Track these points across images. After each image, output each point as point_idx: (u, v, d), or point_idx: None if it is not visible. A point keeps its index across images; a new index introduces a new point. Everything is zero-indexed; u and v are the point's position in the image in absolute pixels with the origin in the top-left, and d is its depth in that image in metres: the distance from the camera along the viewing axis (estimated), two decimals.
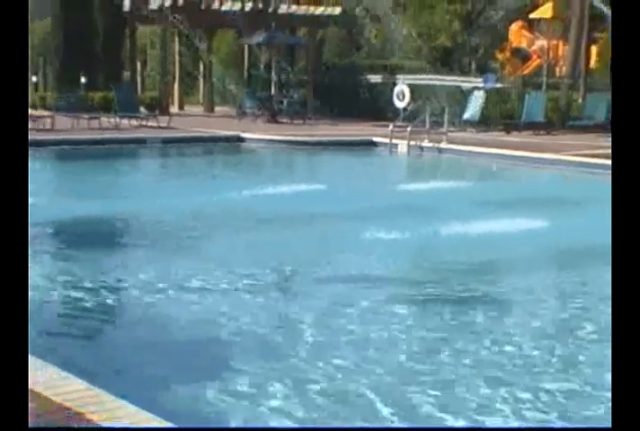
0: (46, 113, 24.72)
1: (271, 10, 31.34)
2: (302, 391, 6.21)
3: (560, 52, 33.48)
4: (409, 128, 22.01)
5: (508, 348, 7.25)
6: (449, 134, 22.47)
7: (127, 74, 31.91)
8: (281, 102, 29.46)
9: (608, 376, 6.58)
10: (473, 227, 12.05)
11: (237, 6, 31.05)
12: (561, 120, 26.07)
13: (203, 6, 31.22)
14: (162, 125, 24.87)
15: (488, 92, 27.18)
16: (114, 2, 29.78)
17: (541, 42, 34.59)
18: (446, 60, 28.45)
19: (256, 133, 24.04)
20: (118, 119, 24.64)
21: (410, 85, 26.32)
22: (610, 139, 17.76)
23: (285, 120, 28.23)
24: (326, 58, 36.09)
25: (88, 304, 8.51)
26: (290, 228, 12.38)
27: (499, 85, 28.71)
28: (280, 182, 16.03)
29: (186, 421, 5.33)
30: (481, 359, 7.01)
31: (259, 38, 30.30)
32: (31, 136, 21.32)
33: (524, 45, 36.13)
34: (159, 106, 28.80)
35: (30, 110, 25.05)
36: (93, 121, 24.27)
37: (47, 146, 20.90)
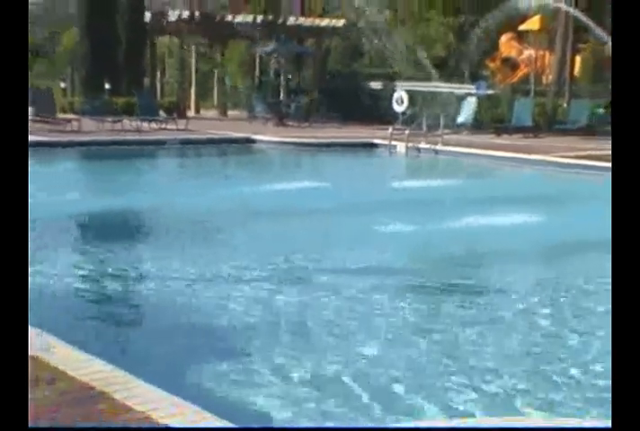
0: (73, 116, 24.70)
1: (280, 22, 31.31)
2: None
3: (546, 61, 33.40)
4: (407, 131, 22.03)
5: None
6: (445, 136, 22.46)
7: (147, 80, 31.89)
8: (289, 107, 29.46)
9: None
10: (463, 220, 12.12)
11: (249, 18, 31.02)
12: (547, 124, 26.02)
13: (218, 18, 31.23)
14: (180, 127, 24.85)
15: (480, 98, 27.16)
16: (136, 14, 29.74)
17: (529, 52, 34.55)
18: (441, 68, 28.36)
19: (266, 135, 24.04)
20: (139, 122, 24.60)
21: (408, 91, 26.33)
22: (592, 141, 17.83)
23: (292, 123, 28.21)
24: (331, 66, 36.03)
25: (115, 284, 8.71)
26: (298, 220, 12.53)
27: (490, 92, 28.69)
28: (288, 180, 16.16)
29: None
30: None
31: (269, 47, 30.32)
32: (60, 137, 21.56)
33: (513, 55, 36.07)
34: (177, 110, 28.78)
35: (59, 114, 25.13)
36: (116, 124, 24.28)
37: (74, 147, 21.00)
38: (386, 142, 22.44)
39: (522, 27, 34.25)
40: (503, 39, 35.69)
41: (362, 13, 29.13)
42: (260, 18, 30.98)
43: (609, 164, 18.14)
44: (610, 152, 16.04)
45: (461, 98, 26.99)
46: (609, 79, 24.66)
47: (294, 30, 31.58)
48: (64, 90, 30.70)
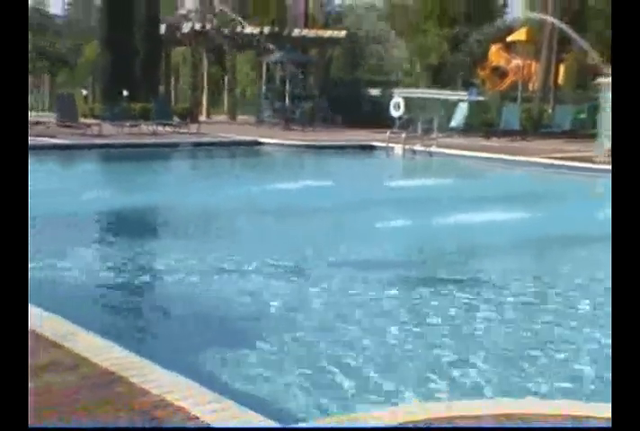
0: (94, 121, 24.70)
1: (285, 33, 31.30)
2: None
3: (533, 70, 33.37)
4: (404, 134, 22.05)
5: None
6: (438, 139, 22.46)
7: (162, 88, 31.88)
8: (294, 112, 29.42)
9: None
10: (454, 215, 12.17)
11: (257, 30, 31.01)
12: (533, 128, 25.99)
13: (228, 30, 31.20)
14: (192, 131, 24.86)
15: (471, 103, 27.14)
16: (152, 27, 29.73)
17: (517, 62, 34.51)
18: (435, 76, 28.37)
19: (273, 138, 24.02)
20: (155, 126, 24.63)
21: (405, 98, 26.33)
22: (575, 144, 17.75)
23: (297, 127, 28.18)
24: (333, 74, 36.01)
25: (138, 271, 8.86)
26: (303, 214, 12.61)
27: (480, 98, 28.66)
28: (293, 179, 16.22)
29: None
30: None
31: (275, 56, 30.31)
32: (82, 140, 21.56)
33: (502, 64, 36.05)
34: (190, 115, 28.76)
35: (81, 119, 25.13)
36: (133, 128, 24.30)
37: (95, 149, 21.03)
38: (384, 144, 22.42)
39: (510, 38, 34.21)
40: (493, 49, 35.68)
41: (363, 24, 29.15)
42: (267, 29, 30.97)
43: (591, 165, 18.25)
44: (591, 153, 15.99)
45: (454, 104, 26.97)
46: (591, 86, 24.69)
47: (299, 41, 31.56)
48: (85, 97, 30.72)
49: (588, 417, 4.51)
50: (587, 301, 8.05)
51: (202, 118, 30.73)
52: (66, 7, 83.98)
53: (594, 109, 21.72)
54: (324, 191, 14.64)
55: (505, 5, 42.84)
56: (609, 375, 5.85)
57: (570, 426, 4.28)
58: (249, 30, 31.19)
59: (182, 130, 25.14)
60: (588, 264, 10.20)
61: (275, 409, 5.19)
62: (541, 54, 30.31)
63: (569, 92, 31.24)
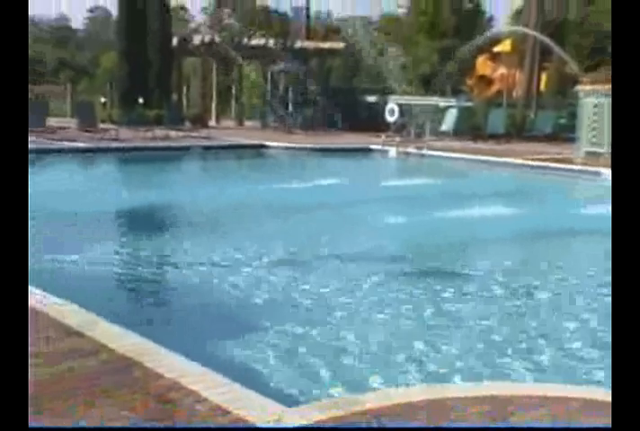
0: (112, 126, 24.71)
1: (288, 44, 31.27)
2: None
3: (516, 78, 33.33)
4: (398, 138, 22.09)
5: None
6: (429, 142, 22.47)
7: (175, 95, 31.86)
8: (296, 117, 29.43)
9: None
10: (443, 210, 12.32)
11: (262, 42, 30.98)
12: (517, 132, 25.99)
13: (235, 42, 31.17)
14: (202, 135, 24.86)
15: (460, 109, 27.11)
16: (165, 39, 29.71)
17: (502, 71, 34.49)
18: (427, 84, 28.33)
19: (277, 141, 24.02)
20: (168, 131, 24.62)
21: (399, 104, 26.31)
22: (556, 147, 17.83)
23: (299, 132, 28.18)
24: (332, 82, 35.95)
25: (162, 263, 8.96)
26: (306, 209, 12.71)
27: (468, 104, 28.62)
28: (296, 178, 16.30)
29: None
30: None
31: (279, 66, 30.30)
32: (101, 144, 21.55)
33: (488, 73, 36.00)
34: (200, 120, 28.80)
35: (100, 124, 25.12)
36: (148, 132, 24.26)
37: (113, 152, 21.01)
38: (379, 147, 22.46)
39: (496, 49, 34.23)
40: (480, 59, 35.63)
41: (359, 37, 29.10)
42: (271, 41, 30.95)
43: (571, 166, 18.23)
44: (571, 155, 16.01)
45: (444, 109, 26.95)
46: (570, 93, 24.65)
47: (301, 52, 31.53)
48: (104, 104, 30.66)
49: (567, 399, 4.52)
50: (561, 290, 8.12)
51: (212, 123, 30.74)
52: (85, 22, 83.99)
53: (573, 114, 21.70)
54: (326, 188, 14.78)
55: (491, 19, 42.87)
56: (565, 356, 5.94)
57: (570, 426, 4.08)
58: (255, 42, 31.16)
59: (192, 134, 25.13)
60: (566, 252, 10.32)
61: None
62: (524, 64, 30.30)
63: (550, 98, 31.17)
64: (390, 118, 25.96)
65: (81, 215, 11.66)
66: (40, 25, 73.65)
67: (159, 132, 24.41)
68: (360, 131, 27.04)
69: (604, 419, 4.21)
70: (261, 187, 14.74)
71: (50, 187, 13.43)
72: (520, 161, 19.40)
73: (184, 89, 34.63)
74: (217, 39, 30.92)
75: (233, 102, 34.06)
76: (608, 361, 5.77)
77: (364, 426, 3.98)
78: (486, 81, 35.81)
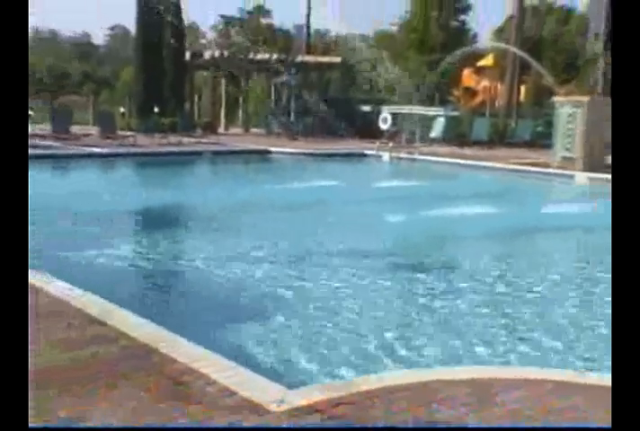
0: (130, 133, 24.71)
1: (290, 59, 31.27)
2: None
3: (498, 90, 33.35)
4: (390, 144, 22.10)
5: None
6: (420, 148, 22.49)
7: (187, 105, 31.87)
8: (298, 125, 29.42)
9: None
10: (432, 209, 12.35)
11: (267, 56, 30.97)
12: (499, 139, 26.00)
13: (242, 56, 31.18)
14: (212, 141, 24.88)
15: (447, 118, 27.12)
16: (179, 54, 29.72)
17: (485, 83, 34.51)
18: (417, 95, 28.34)
19: (280, 147, 24.02)
20: (181, 137, 24.63)
21: (391, 113, 26.35)
22: (534, 152, 17.91)
23: (301, 138, 28.17)
24: (331, 93, 35.94)
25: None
26: (306, 208, 12.79)
27: (455, 114, 28.63)
28: (299, 180, 16.43)
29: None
30: None
31: (282, 79, 30.30)
32: (120, 149, 21.55)
33: (473, 85, 36.01)
34: (210, 128, 28.79)
35: (119, 132, 25.11)
36: (163, 139, 24.29)
37: (131, 157, 21.01)
38: (374, 152, 22.46)
39: (480, 63, 34.26)
40: (465, 72, 35.64)
41: (355, 52, 29.10)
42: (275, 56, 30.95)
43: (548, 170, 18.27)
44: (548, 159, 16.02)
45: (432, 118, 26.96)
46: (547, 104, 24.65)
47: (302, 66, 31.53)
48: (123, 113, 30.64)
49: (542, 381, 4.54)
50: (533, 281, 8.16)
51: (221, 130, 30.74)
52: (106, 38, 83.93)
53: (549, 123, 21.72)
54: (325, 189, 14.85)
55: (475, 36, 42.92)
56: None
57: (570, 426, 3.91)
58: (260, 56, 31.17)
59: (203, 141, 25.13)
60: (540, 244, 10.40)
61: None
62: (505, 77, 30.32)
63: (528, 108, 31.20)
64: (384, 126, 26.00)
65: (105, 213, 11.69)
66: (65, 42, 73.59)
67: (173, 138, 24.42)
68: (356, 138, 27.04)
69: (574, 399, 4.26)
70: (266, 187, 14.88)
71: (80, 188, 13.82)
72: (501, 165, 19.41)
73: (196, 99, 34.62)
74: (225, 54, 30.91)
75: (240, 111, 34.06)
76: (562, 343, 5.83)
77: (365, 426, 3.85)
78: (471, 92, 35.83)
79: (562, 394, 4.34)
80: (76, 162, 19.31)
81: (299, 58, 31.69)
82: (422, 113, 26.80)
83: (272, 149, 23.57)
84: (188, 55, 30.64)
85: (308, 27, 36.69)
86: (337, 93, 36.18)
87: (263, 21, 42.57)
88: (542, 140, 23.55)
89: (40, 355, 4.68)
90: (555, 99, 19.59)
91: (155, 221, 12.13)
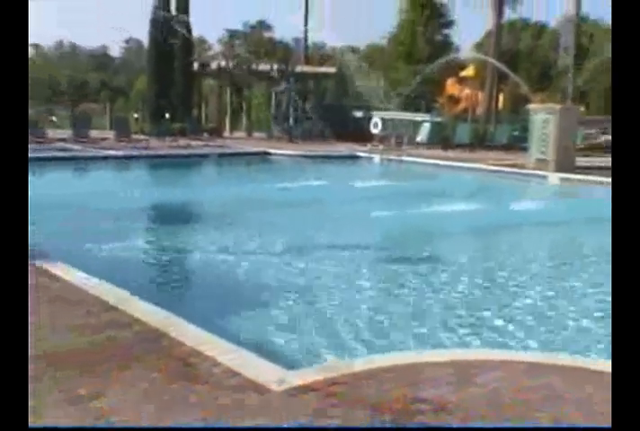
0: (144, 137, 24.68)
1: (289, 69, 31.20)
2: None
3: (479, 98, 33.31)
4: (381, 147, 22.09)
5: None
6: (408, 150, 22.48)
7: (195, 111, 31.80)
8: (296, 129, 29.36)
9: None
10: (419, 206, 12.37)
11: (268, 67, 30.89)
12: (479, 142, 25.95)
13: (245, 67, 31.10)
14: (218, 144, 24.82)
15: (432, 123, 27.10)
16: (187, 64, 29.65)
17: (467, 91, 34.44)
18: (405, 102, 28.29)
19: (279, 149, 23.98)
20: (189, 141, 24.60)
21: (382, 118, 26.32)
22: (511, 154, 17.91)
23: (299, 141, 28.12)
24: (326, 101, 35.88)
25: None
26: (304, 206, 12.74)
27: (439, 119, 28.60)
28: (296, 179, 16.34)
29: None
30: None
31: (282, 87, 30.23)
32: (134, 152, 21.49)
33: (456, 93, 35.97)
34: (216, 132, 28.73)
35: (133, 136, 25.05)
36: (173, 142, 24.25)
37: (145, 158, 20.97)
38: (365, 154, 22.45)
39: (462, 73, 34.22)
40: (449, 81, 35.60)
41: (349, 62, 29.06)
42: (275, 66, 30.90)
43: (524, 170, 18.24)
44: (524, 161, 15.99)
45: (419, 123, 26.94)
46: (523, 111, 24.63)
47: (300, 75, 31.46)
48: (137, 119, 30.56)
49: (516, 362, 4.53)
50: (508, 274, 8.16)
51: (226, 134, 30.67)
52: (122, 50, 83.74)
53: (525, 128, 21.70)
54: (320, 188, 14.84)
55: (458, 49, 42.86)
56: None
57: (570, 426, 3.71)
58: (261, 67, 31.11)
59: (210, 144, 25.07)
60: (520, 241, 10.37)
61: None
62: (485, 86, 30.29)
63: (506, 115, 31.18)
64: (374, 130, 25.96)
65: (121, 210, 11.68)
66: (84, 54, 73.37)
67: (183, 142, 24.37)
68: (349, 141, 27.00)
69: (543, 378, 4.25)
70: (267, 186, 14.87)
71: (98, 187, 13.99)
72: (481, 166, 19.40)
73: (203, 106, 34.55)
74: (230, 64, 30.85)
75: (243, 117, 34.00)
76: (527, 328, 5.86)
77: (365, 426, 3.70)
78: (454, 100, 35.76)
79: (535, 374, 4.34)
80: (95, 163, 19.33)
81: (298, 68, 31.60)
82: (410, 119, 26.77)
83: (273, 151, 23.52)
84: (196, 65, 30.55)
85: (306, 40, 36.58)
86: (332, 100, 36.11)
87: (265, 34, 42.50)
88: (518, 143, 23.53)
89: (62, 339, 4.67)
90: (531, 106, 19.59)
91: (167, 215, 12.16)
